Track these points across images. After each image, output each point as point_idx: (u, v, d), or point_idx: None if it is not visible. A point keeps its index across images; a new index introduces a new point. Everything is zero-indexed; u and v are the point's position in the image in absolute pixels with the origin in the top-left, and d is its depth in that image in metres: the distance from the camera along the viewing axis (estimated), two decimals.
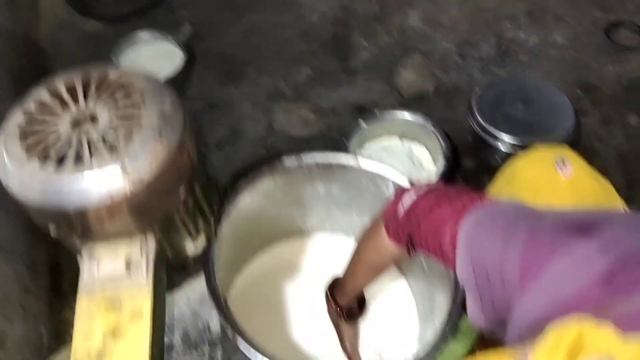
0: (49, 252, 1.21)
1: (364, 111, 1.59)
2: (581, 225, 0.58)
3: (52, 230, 0.65)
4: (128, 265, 0.66)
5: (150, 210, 0.65)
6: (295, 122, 1.61)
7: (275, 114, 1.63)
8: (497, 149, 1.46)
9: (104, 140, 0.63)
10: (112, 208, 0.61)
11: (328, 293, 1.03)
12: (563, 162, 0.99)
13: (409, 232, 0.74)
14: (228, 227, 0.97)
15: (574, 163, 0.99)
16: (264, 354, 0.82)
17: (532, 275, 0.56)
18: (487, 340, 1.21)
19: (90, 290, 0.66)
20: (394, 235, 0.79)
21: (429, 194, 0.73)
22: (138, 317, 0.64)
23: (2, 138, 0.64)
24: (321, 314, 1.13)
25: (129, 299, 0.65)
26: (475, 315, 0.67)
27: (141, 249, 0.68)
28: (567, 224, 0.60)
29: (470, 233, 0.65)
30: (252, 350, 0.81)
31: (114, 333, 0.63)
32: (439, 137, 1.42)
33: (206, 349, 1.30)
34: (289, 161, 1.03)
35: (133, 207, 0.62)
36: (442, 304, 0.94)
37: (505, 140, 1.42)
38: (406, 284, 1.19)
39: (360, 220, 1.18)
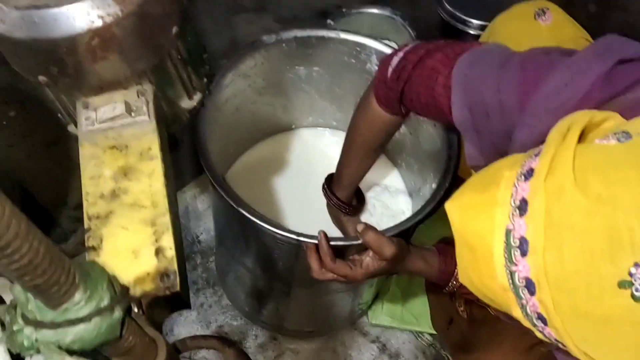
0: None
1: (328, 16, 1.55)
2: (570, 52, 0.58)
3: (44, 78, 0.59)
4: (128, 107, 0.62)
5: (142, 45, 0.60)
6: (259, 32, 1.55)
7: (236, 26, 1.57)
8: (466, 37, 1.46)
9: None
10: (103, 36, 0.56)
11: (326, 189, 1.01)
12: (543, 11, 1.00)
13: (399, 91, 0.72)
14: (213, 111, 0.94)
15: (554, 11, 1.00)
16: (267, 221, 0.80)
17: (531, 90, 0.56)
18: None
19: (91, 137, 0.61)
20: (385, 99, 0.77)
21: (417, 48, 0.72)
22: (147, 156, 0.60)
23: None
24: (313, 207, 1.12)
25: (134, 140, 0.61)
26: (474, 159, 0.67)
27: (138, 95, 0.64)
28: (557, 51, 0.60)
29: (464, 72, 0.64)
30: (257, 220, 0.79)
31: (125, 172, 0.58)
32: (409, 28, 1.40)
33: (199, 260, 1.27)
34: (268, 38, 0.99)
35: (125, 37, 0.58)
36: (432, 187, 0.93)
37: (474, 25, 1.42)
38: (398, 173, 1.19)
39: (342, 112, 1.17)
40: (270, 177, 1.16)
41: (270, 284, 1.04)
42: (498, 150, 0.62)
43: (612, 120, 0.42)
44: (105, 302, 0.39)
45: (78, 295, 0.37)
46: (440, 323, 1.13)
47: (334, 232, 0.79)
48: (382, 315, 1.20)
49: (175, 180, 0.82)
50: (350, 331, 1.21)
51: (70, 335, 0.38)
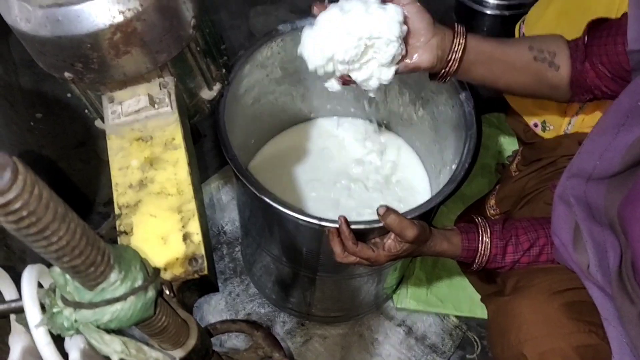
0: None
1: None
2: None
3: (70, 74, 0.62)
4: (151, 100, 0.63)
5: (163, 38, 0.62)
6: (275, 24, 1.56)
7: (253, 18, 1.59)
8: (483, 17, 1.45)
9: None
10: (125, 30, 0.58)
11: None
12: None
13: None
14: (233, 103, 0.95)
15: None
16: (290, 208, 0.81)
17: None
18: (471, 209, 1.23)
19: (118, 130, 0.63)
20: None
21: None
22: (171, 146, 0.61)
23: None
24: (334, 194, 1.13)
25: (159, 131, 0.63)
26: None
27: (161, 87, 0.66)
28: None
29: None
30: (280, 207, 0.81)
31: (151, 162, 0.61)
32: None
33: (225, 250, 1.29)
34: (284, 27, 1.00)
35: (145, 30, 0.59)
36: (451, 168, 0.93)
37: (491, 4, 1.41)
38: (417, 157, 1.19)
39: (359, 101, 1.18)
40: (292, 167, 1.17)
41: (296, 270, 1.06)
42: None
43: None
44: (139, 281, 0.41)
45: (113, 276, 0.39)
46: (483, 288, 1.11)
47: (353, 218, 0.80)
48: (407, 299, 1.21)
49: (199, 173, 0.84)
50: (376, 315, 1.22)
51: (108, 314, 0.40)
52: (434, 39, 0.72)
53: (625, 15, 0.71)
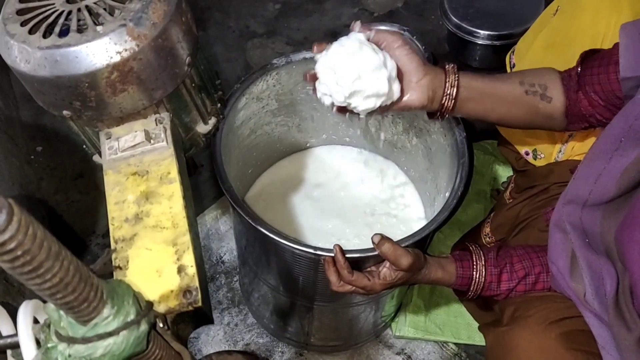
0: None
1: (338, 35, 1.59)
2: None
3: (69, 112, 0.63)
4: (147, 135, 0.65)
5: (159, 76, 0.64)
6: (272, 56, 1.60)
7: (250, 51, 1.62)
8: (475, 47, 1.48)
9: (103, 5, 0.62)
10: (122, 69, 0.60)
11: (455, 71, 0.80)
12: None
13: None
14: (229, 135, 0.97)
15: None
16: (285, 238, 0.82)
17: None
18: (466, 237, 1.24)
19: (114, 165, 0.64)
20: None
21: None
22: (167, 180, 0.63)
23: (2, 26, 0.62)
24: (330, 222, 1.14)
25: (154, 166, 0.64)
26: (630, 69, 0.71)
27: (157, 123, 0.67)
28: None
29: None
30: (276, 237, 0.82)
31: (147, 196, 0.62)
32: (417, 42, 1.43)
33: (223, 280, 1.30)
34: (278, 61, 1.02)
35: (142, 69, 0.61)
36: (445, 196, 0.94)
37: (481, 35, 1.44)
38: (411, 185, 1.21)
39: (354, 129, 1.20)
40: (289, 196, 1.19)
41: (293, 300, 1.06)
42: None
43: None
44: (131, 316, 0.41)
45: (106, 311, 0.39)
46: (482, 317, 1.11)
47: (349, 246, 0.80)
48: (406, 326, 1.20)
49: (196, 203, 0.85)
50: (375, 344, 1.22)
51: (101, 349, 0.40)
52: (424, 79, 0.75)
53: (616, 45, 0.73)
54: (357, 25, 0.76)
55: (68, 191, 1.38)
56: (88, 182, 1.39)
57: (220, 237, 1.34)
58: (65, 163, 1.41)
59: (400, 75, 0.74)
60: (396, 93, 0.74)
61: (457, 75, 0.77)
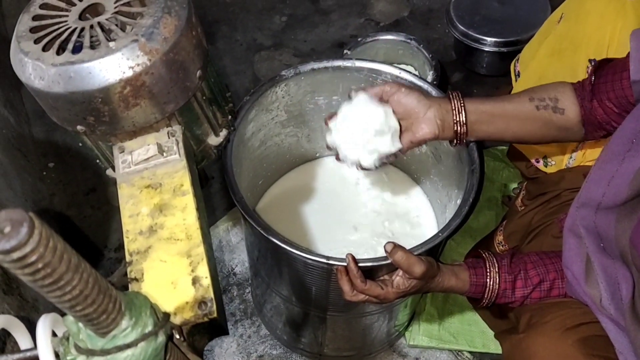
0: None
1: (344, 46, 1.60)
2: None
3: (82, 127, 0.64)
4: (160, 148, 0.66)
5: (170, 90, 0.65)
6: (279, 68, 1.61)
7: (257, 64, 1.64)
8: (482, 54, 1.49)
9: (115, 21, 0.63)
10: (134, 84, 0.61)
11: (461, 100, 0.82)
12: None
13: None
14: (240, 146, 0.98)
15: None
16: (297, 247, 0.82)
17: None
18: (480, 244, 1.23)
19: (128, 179, 0.65)
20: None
21: None
22: (180, 192, 0.63)
23: (16, 43, 0.63)
24: (341, 231, 1.14)
25: (167, 178, 0.65)
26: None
27: (169, 136, 0.68)
28: None
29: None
30: (288, 247, 0.82)
31: (160, 209, 0.62)
32: (424, 51, 1.43)
33: (235, 292, 1.30)
34: (287, 72, 1.03)
35: (154, 84, 0.62)
36: (456, 203, 0.95)
37: (488, 42, 1.44)
38: (423, 193, 1.21)
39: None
40: (300, 206, 1.19)
41: (306, 310, 1.06)
42: None
43: None
44: (149, 327, 0.42)
45: (124, 322, 0.40)
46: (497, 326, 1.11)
47: (361, 255, 0.80)
48: (420, 335, 1.20)
49: (207, 215, 0.85)
50: (389, 354, 1.21)
51: None
52: (429, 111, 0.79)
53: (630, 53, 0.73)
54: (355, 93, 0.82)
55: (80, 206, 1.39)
56: (100, 197, 1.40)
57: (231, 249, 1.35)
58: (77, 178, 1.42)
59: (406, 114, 0.80)
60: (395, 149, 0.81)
61: (462, 102, 0.79)
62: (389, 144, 0.79)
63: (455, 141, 0.82)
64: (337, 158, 0.86)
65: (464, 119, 0.79)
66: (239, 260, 1.33)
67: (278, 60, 1.63)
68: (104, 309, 0.37)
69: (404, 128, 0.81)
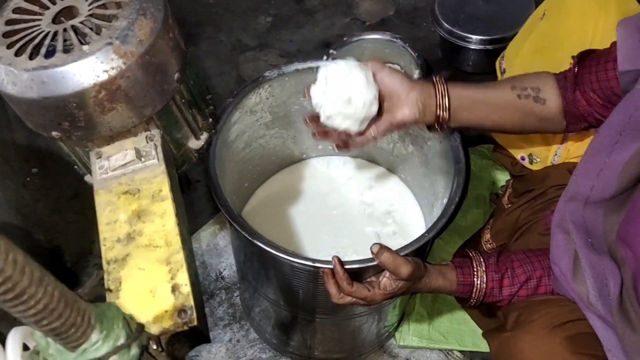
0: None
1: (330, 45, 1.59)
2: None
3: (58, 133, 0.63)
4: (138, 153, 0.64)
5: (147, 93, 0.63)
6: (265, 69, 1.60)
7: (242, 65, 1.62)
8: (467, 52, 1.48)
9: (89, 24, 0.62)
10: (109, 88, 0.59)
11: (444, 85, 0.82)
12: None
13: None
14: (223, 149, 0.96)
15: None
16: (283, 251, 0.81)
17: None
18: (468, 243, 1.23)
19: (105, 185, 0.64)
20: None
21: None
22: (159, 197, 0.62)
23: None
24: (329, 233, 1.13)
25: (146, 184, 0.63)
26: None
27: (147, 140, 0.67)
28: None
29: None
30: (273, 251, 0.81)
31: (139, 215, 0.61)
32: (410, 50, 1.43)
33: (224, 296, 1.28)
34: (270, 73, 1.02)
35: (130, 87, 0.61)
36: (443, 202, 0.94)
37: (474, 40, 1.44)
38: (410, 192, 1.20)
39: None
40: (286, 208, 1.18)
41: (294, 313, 1.05)
42: None
43: None
44: (121, 340, 0.40)
45: (95, 336, 0.38)
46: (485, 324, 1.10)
47: (348, 257, 0.79)
48: (410, 335, 1.19)
49: (193, 219, 0.83)
50: (379, 354, 1.20)
51: None
52: (411, 93, 0.77)
53: (614, 43, 0.73)
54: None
55: (64, 212, 1.37)
56: (84, 202, 1.37)
57: (219, 253, 1.33)
58: (60, 183, 1.40)
59: (387, 95, 0.78)
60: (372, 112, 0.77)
61: (445, 86, 0.78)
62: (368, 107, 0.76)
63: (435, 126, 0.80)
64: (318, 120, 0.83)
65: (447, 103, 0.77)
66: (227, 263, 1.32)
67: (263, 60, 1.62)
68: (72, 323, 0.36)
69: (384, 109, 0.79)
